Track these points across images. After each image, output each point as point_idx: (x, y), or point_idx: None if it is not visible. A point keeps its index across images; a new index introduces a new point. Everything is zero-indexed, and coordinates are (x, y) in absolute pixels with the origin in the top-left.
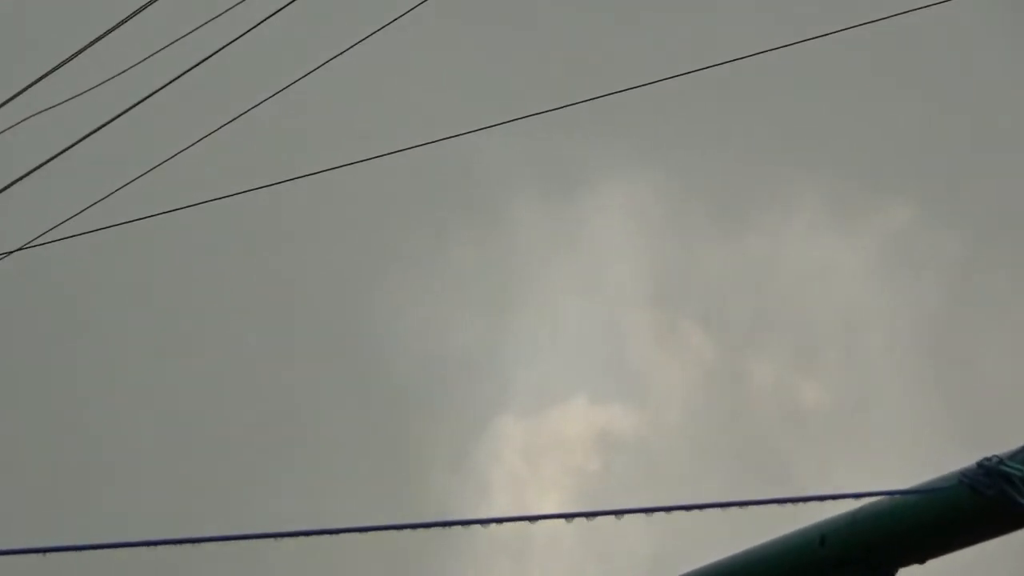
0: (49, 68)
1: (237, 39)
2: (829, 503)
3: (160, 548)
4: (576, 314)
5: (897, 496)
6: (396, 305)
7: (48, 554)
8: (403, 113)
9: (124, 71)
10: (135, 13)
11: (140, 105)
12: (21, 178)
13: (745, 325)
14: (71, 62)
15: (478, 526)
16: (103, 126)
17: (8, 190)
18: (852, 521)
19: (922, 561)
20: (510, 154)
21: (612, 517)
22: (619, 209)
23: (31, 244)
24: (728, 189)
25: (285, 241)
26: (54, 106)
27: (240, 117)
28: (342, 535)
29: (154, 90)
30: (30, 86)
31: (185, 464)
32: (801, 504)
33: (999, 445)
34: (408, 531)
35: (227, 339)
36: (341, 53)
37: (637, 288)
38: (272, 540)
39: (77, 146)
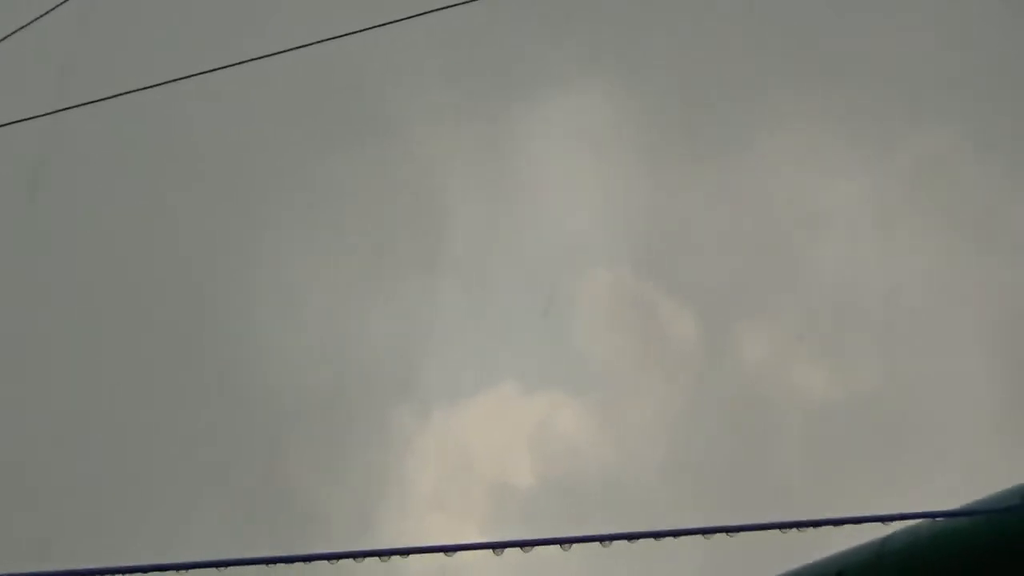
0: None
1: None
2: (850, 529)
3: None
4: (504, 273)
5: (940, 520)
6: (259, 263)
7: None
8: (272, 6)
9: None
10: None
11: None
12: None
13: (737, 289)
14: None
15: (375, 559)
16: None
17: None
18: (879, 554)
19: None
20: (415, 57)
21: (558, 547)
22: (563, 130)
23: None
24: (714, 104)
25: (104, 180)
26: None
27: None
28: (197, 572)
29: None
30: None
31: None
32: (813, 531)
33: None
34: (280, 567)
35: (20, 328)
36: None
37: (588, 238)
38: None
39: None
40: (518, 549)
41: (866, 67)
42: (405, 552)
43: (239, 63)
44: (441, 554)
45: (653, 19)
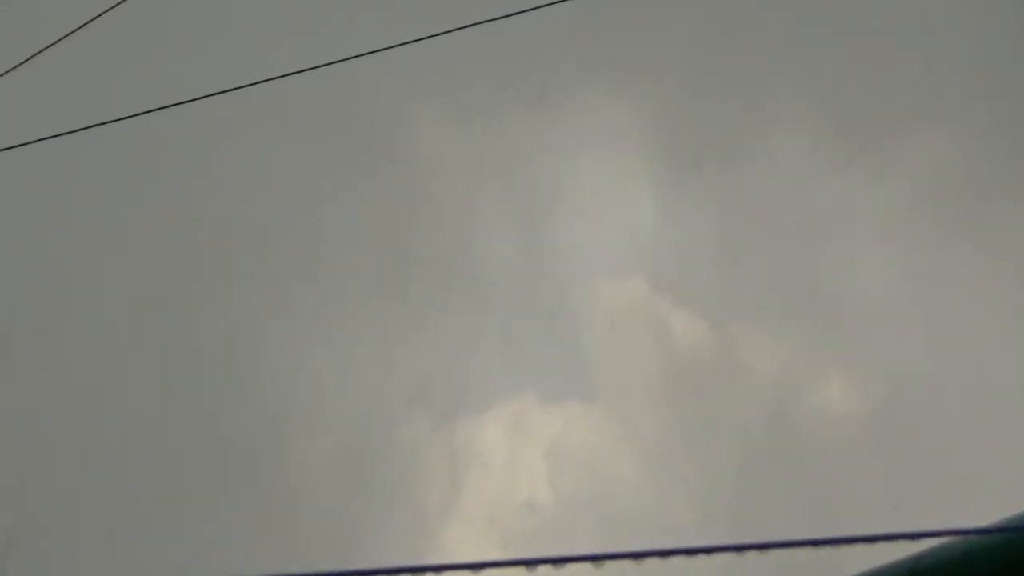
0: None
1: None
2: (881, 547)
3: None
4: (513, 284)
5: (972, 536)
6: (272, 286)
7: None
8: (270, 30)
9: None
10: None
11: None
12: None
13: (755, 300)
14: None
15: None
16: None
17: None
18: (912, 571)
19: None
20: (417, 78)
21: (588, 564)
22: (575, 142)
23: None
24: (726, 115)
25: (112, 208)
26: None
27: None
28: None
29: None
30: None
31: None
32: (843, 548)
33: None
34: None
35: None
36: None
37: (598, 249)
38: None
39: None
40: (549, 566)
41: (874, 73)
42: (437, 569)
43: (246, 86)
44: (470, 572)
45: (661, 28)
